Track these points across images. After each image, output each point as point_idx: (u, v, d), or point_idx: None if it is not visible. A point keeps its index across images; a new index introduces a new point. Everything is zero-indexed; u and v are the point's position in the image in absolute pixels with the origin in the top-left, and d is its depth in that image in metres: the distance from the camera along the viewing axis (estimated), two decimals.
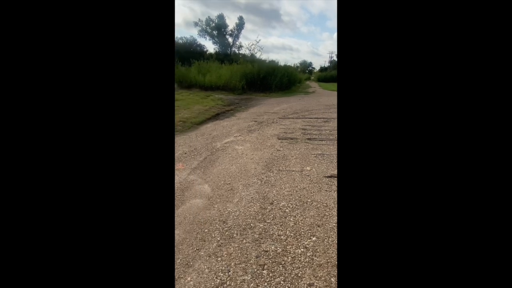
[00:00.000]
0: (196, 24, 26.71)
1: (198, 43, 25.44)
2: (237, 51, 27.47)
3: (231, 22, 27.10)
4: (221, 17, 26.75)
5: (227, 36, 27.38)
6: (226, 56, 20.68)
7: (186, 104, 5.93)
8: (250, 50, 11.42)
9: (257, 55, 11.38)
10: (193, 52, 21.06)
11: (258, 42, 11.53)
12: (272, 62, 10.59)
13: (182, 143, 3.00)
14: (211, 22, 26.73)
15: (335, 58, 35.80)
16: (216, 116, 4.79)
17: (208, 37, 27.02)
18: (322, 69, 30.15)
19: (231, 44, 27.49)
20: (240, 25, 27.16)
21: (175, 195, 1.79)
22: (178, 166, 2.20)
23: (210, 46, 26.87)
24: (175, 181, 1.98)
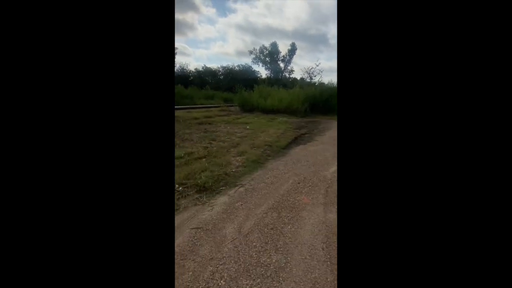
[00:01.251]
0: (250, 52, 28.56)
1: (252, 70, 26.91)
2: (287, 75, 28.03)
3: (281, 49, 28.22)
4: (274, 44, 28.12)
5: (279, 62, 28.38)
6: (277, 81, 21.16)
7: (259, 126, 5.94)
8: (309, 73, 11.32)
9: (317, 78, 11.20)
10: (248, 79, 22.22)
11: (317, 66, 11.41)
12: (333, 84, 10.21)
13: (285, 170, 2.80)
14: (264, 50, 28.24)
15: None
16: (295, 140, 4.59)
17: (261, 64, 28.46)
18: None
19: (282, 69, 28.33)
20: (292, 51, 28.00)
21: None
22: (303, 199, 1.95)
23: (262, 72, 28.13)
24: (329, 219, 1.70)
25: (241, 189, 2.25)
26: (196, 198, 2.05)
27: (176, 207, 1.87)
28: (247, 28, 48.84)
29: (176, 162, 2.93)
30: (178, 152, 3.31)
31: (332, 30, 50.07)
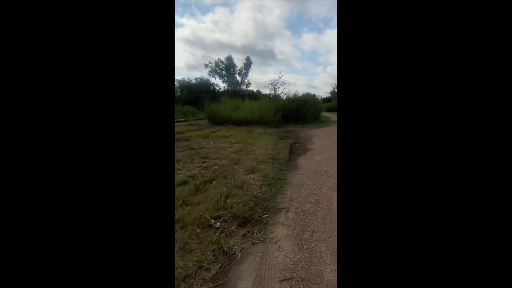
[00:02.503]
0: (206, 65, 28.07)
1: (211, 82, 26.38)
2: (245, 88, 28.41)
3: (235, 63, 28.64)
4: (229, 58, 28.30)
5: (236, 75, 28.61)
6: (236, 93, 21.18)
7: (244, 139, 5.59)
8: (273, 85, 11.53)
9: (281, 89, 11.49)
10: (206, 92, 21.60)
11: (280, 78, 11.73)
12: (309, 94, 10.60)
13: (316, 185, 2.56)
14: (220, 63, 28.14)
15: (335, 89, 37.09)
16: (293, 151, 4.41)
17: (218, 77, 28.19)
18: (325, 100, 31.10)
19: (240, 82, 28.59)
20: (247, 65, 28.60)
21: None
22: None
23: (220, 85, 27.87)
24: None
25: (289, 214, 1.89)
26: (245, 234, 1.61)
27: (230, 251, 1.41)
28: (196, 43, 48.28)
29: (185, 189, 2.38)
30: (179, 176, 2.73)
31: (278, 46, 53.46)
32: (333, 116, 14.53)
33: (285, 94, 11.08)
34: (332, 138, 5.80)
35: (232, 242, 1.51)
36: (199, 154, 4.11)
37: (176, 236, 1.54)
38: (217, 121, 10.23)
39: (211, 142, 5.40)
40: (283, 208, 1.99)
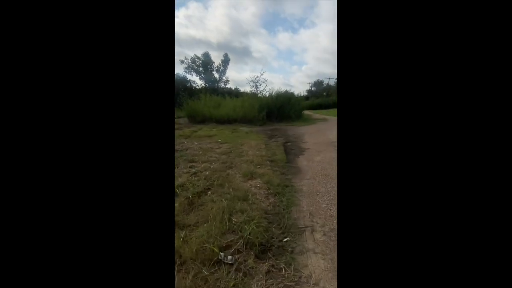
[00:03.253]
0: (182, 62, 26.71)
1: (187, 79, 25.14)
2: (223, 85, 27.62)
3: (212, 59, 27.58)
4: (206, 55, 27.24)
5: (213, 72, 27.66)
6: (213, 91, 20.46)
7: (231, 139, 5.11)
8: (255, 82, 11.11)
9: (262, 86, 11.11)
10: (183, 89, 20.50)
11: (262, 75, 11.34)
12: (287, 92, 10.31)
13: (331, 192, 2.18)
14: (197, 60, 26.97)
15: (312, 88, 37.74)
16: (288, 151, 4.04)
17: (195, 74, 27.00)
18: (304, 98, 31.68)
19: (218, 79, 27.70)
20: (225, 62, 27.79)
21: None
22: None
23: (197, 82, 26.71)
24: None
25: (317, 235, 1.50)
26: (270, 270, 1.18)
27: None
28: None
29: (176, 203, 1.87)
30: None
31: (254, 44, 53.12)
32: (314, 114, 14.58)
33: (267, 92, 10.74)
34: (323, 137, 5.57)
35: (252, 284, 1.07)
36: (184, 157, 3.55)
37: (175, 280, 1.06)
38: (197, 119, 9.54)
39: (195, 143, 4.83)
40: (306, 226, 1.60)
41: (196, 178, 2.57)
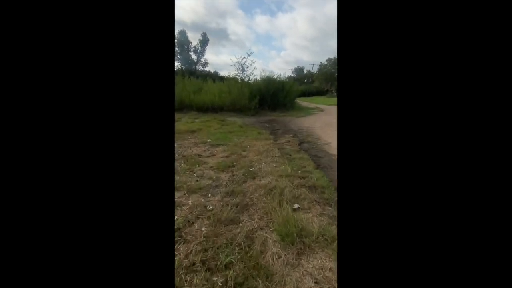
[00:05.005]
0: None
1: None
2: (202, 68, 25.09)
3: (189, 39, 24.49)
4: (183, 33, 24.22)
5: (190, 53, 24.86)
6: (191, 74, 18.25)
7: (223, 138, 3.62)
8: (241, 64, 9.34)
9: (250, 69, 9.41)
10: None
11: (249, 55, 9.60)
12: (269, 78, 8.78)
13: None
14: None
15: (293, 74, 36.46)
16: (317, 161, 2.68)
17: None
18: None
19: (195, 61, 25.02)
20: (204, 42, 25.05)
21: None
22: None
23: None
24: None
25: None
26: None
27: None
28: None
29: None
30: None
31: (231, 26, 49.57)
32: (302, 102, 13.33)
33: (255, 76, 9.11)
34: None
35: None
36: None
37: None
38: (175, 106, 7.74)
39: (175, 144, 3.27)
40: None
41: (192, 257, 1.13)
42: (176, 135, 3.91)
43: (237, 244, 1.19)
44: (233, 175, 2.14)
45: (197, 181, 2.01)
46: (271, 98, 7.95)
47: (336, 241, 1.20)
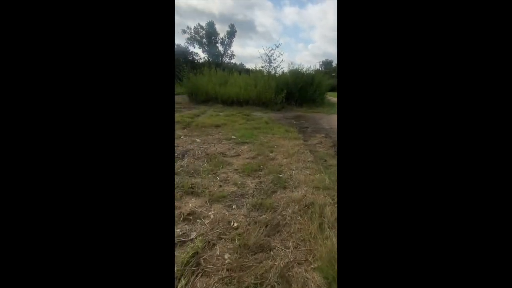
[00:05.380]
0: (184, 31, 23.74)
1: (190, 51, 22.48)
2: (228, 60, 24.98)
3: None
4: (211, 24, 24.19)
5: (218, 45, 24.82)
6: (217, 65, 18.20)
7: (250, 136, 3.34)
8: (268, 56, 8.89)
9: (278, 60, 8.90)
10: (184, 62, 18.10)
11: (278, 46, 9.08)
12: (297, 71, 8.22)
13: None
14: (200, 30, 23.98)
15: (321, 67, 34.85)
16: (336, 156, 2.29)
17: (197, 45, 24.19)
18: None
19: (222, 53, 24.96)
20: (231, 33, 24.80)
21: None
22: None
23: (200, 55, 23.95)
24: None
25: None
26: None
27: None
28: None
29: None
30: None
31: (259, 18, 48.33)
32: (332, 98, 12.54)
33: (282, 68, 8.61)
34: None
35: None
36: (176, 182, 1.84)
37: None
38: (199, 98, 7.65)
39: (197, 140, 3.08)
40: None
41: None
42: (200, 129, 3.74)
43: (269, 287, 0.91)
44: (260, 182, 1.86)
45: (220, 186, 1.77)
46: (299, 92, 7.47)
47: None
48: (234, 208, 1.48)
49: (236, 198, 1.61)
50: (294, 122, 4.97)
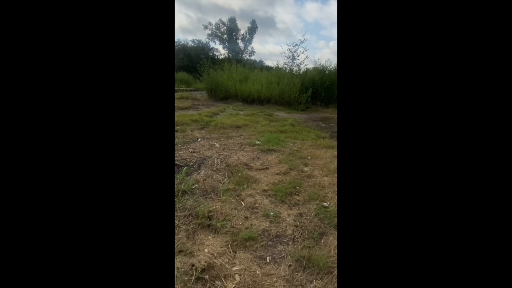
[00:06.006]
0: (205, 27, 23.57)
1: (210, 47, 22.28)
2: (248, 57, 24.48)
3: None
4: (232, 20, 23.78)
5: (238, 41, 24.39)
6: (238, 62, 17.78)
7: (276, 140, 2.84)
8: (292, 52, 8.19)
9: (302, 57, 8.21)
10: (204, 57, 17.92)
11: (302, 42, 8.36)
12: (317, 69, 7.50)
13: None
14: (221, 26, 23.67)
15: None
16: None
17: (218, 41, 23.93)
18: None
19: (242, 49, 24.51)
20: (252, 30, 24.24)
21: None
22: None
23: (221, 51, 23.67)
24: None
25: None
26: None
27: None
28: (191, 4, 40.16)
29: None
30: None
31: (279, 14, 46.90)
32: None
33: (305, 65, 7.91)
34: None
35: None
36: (187, 203, 1.40)
37: None
38: (219, 94, 7.26)
39: (216, 144, 2.64)
40: None
41: None
42: (219, 131, 3.31)
43: None
44: (300, 214, 1.37)
45: (247, 218, 1.30)
46: (325, 92, 6.82)
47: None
48: (269, 263, 1.01)
49: (270, 243, 1.13)
50: (323, 125, 4.39)
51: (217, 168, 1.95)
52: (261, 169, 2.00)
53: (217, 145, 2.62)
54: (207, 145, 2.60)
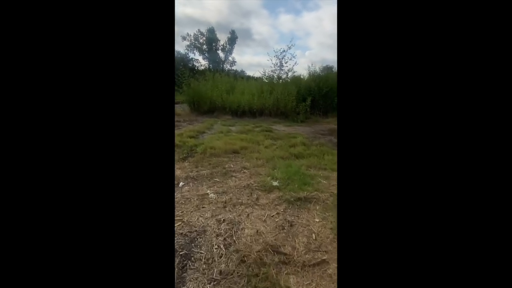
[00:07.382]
0: (184, 38, 22.48)
1: (189, 58, 21.15)
2: (229, 67, 23.66)
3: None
4: (211, 31, 22.97)
5: (218, 52, 23.56)
6: (219, 72, 16.83)
7: (297, 175, 1.85)
8: (279, 58, 7.37)
9: (289, 64, 7.41)
10: (184, 69, 16.75)
11: (290, 48, 7.59)
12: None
13: None
14: (200, 36, 22.74)
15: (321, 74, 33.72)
16: None
17: (197, 52, 22.89)
18: None
19: (223, 59, 23.67)
20: (232, 40, 23.57)
21: None
22: None
23: (200, 62, 22.61)
24: None
25: None
26: None
27: None
28: None
29: None
30: None
31: (255, 26, 47.23)
32: None
33: (294, 72, 7.11)
34: None
35: None
36: None
37: None
38: (203, 107, 6.17)
39: (210, 194, 1.58)
40: None
41: None
42: (210, 161, 2.25)
43: None
44: None
45: None
46: (323, 100, 6.04)
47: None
48: None
49: None
50: (335, 141, 3.50)
51: (220, 272, 0.90)
52: (311, 264, 0.97)
53: (211, 195, 1.57)
54: (194, 196, 1.53)
